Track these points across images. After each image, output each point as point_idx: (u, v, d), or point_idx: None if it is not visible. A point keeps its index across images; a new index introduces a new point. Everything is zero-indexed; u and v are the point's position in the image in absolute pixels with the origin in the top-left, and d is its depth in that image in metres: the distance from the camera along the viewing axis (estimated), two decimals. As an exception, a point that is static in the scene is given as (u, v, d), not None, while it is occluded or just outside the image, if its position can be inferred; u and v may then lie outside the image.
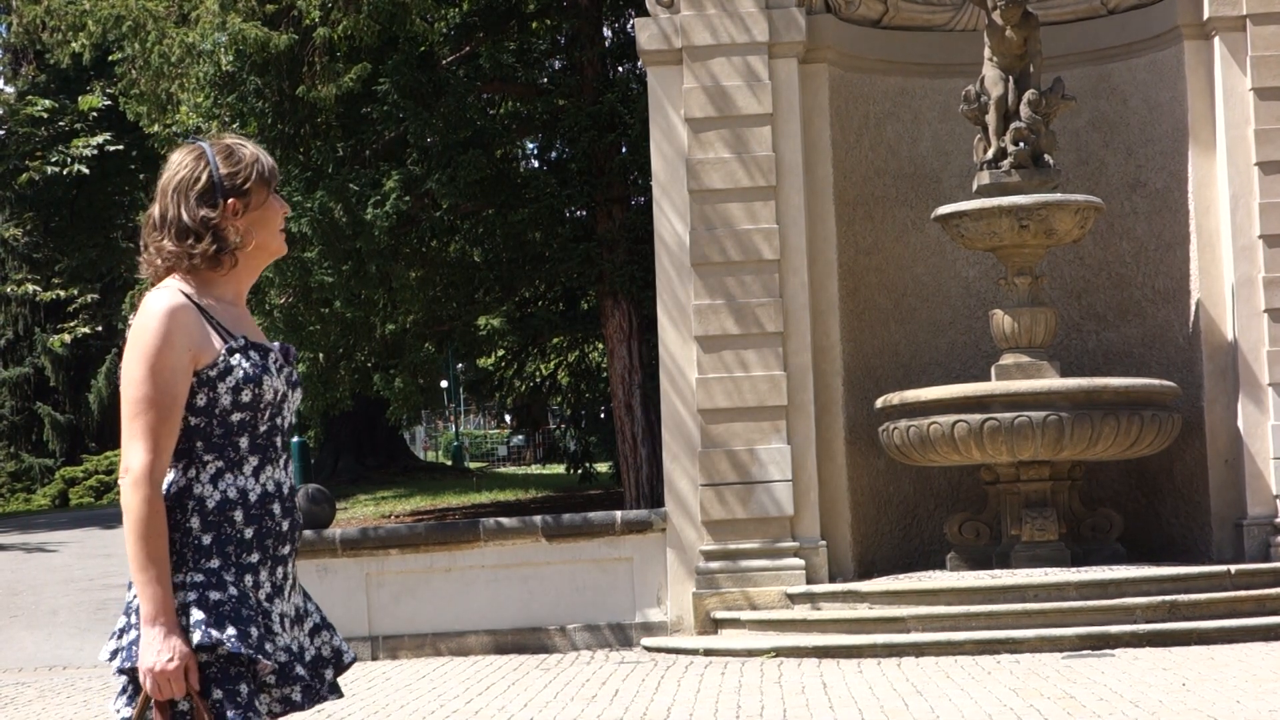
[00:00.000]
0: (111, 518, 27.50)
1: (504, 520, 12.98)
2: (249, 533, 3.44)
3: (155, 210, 3.51)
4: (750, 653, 11.47)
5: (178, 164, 3.52)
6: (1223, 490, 12.96)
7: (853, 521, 13.20)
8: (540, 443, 46.69)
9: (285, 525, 3.49)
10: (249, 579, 3.42)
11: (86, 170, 27.13)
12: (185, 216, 3.47)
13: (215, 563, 3.39)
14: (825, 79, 13.47)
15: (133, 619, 3.40)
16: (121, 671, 3.39)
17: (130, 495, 3.33)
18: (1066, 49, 13.69)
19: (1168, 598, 11.28)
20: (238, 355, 3.45)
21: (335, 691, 3.60)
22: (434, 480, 28.05)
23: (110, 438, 40.25)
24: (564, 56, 19.19)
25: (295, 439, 24.77)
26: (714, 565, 12.64)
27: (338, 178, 15.91)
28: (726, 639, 12.12)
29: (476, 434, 59.57)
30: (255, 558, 3.44)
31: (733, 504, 12.74)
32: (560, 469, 30.76)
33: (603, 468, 28.87)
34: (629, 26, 17.95)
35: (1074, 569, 11.98)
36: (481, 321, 19.55)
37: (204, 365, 3.42)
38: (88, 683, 11.72)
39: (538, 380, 25.70)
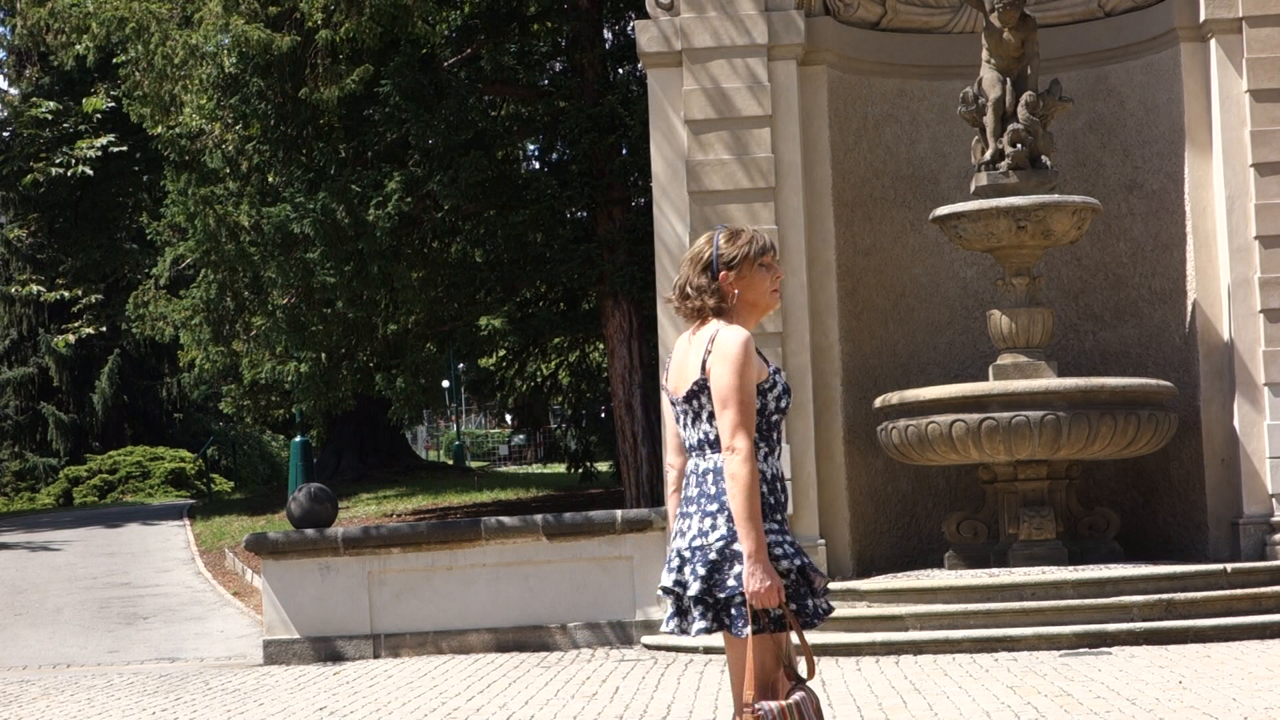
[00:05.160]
0: (114, 517, 27.59)
1: (505, 519, 13.04)
2: (772, 501, 4.87)
3: (680, 273, 5.01)
4: (749, 651, 11.52)
5: (697, 244, 5.00)
6: (1219, 489, 13.03)
7: (851, 520, 13.27)
8: (541, 442, 46.75)
9: (783, 498, 4.93)
10: (786, 533, 4.90)
11: (90, 172, 27.18)
12: (690, 281, 4.94)
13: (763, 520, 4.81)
14: (824, 81, 13.55)
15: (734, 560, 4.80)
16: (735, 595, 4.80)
17: (741, 467, 4.74)
18: (1064, 51, 13.76)
19: (1164, 596, 11.34)
20: (777, 376, 4.92)
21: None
22: (435, 479, 28.12)
23: (113, 438, 40.35)
24: (565, 59, 19.26)
25: (297, 438, 24.84)
26: (714, 564, 12.70)
27: (340, 179, 15.99)
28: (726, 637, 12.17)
29: (478, 433, 59.61)
30: (780, 518, 4.89)
31: (732, 503, 12.79)
32: (561, 468, 30.82)
33: (603, 467, 28.93)
34: (629, 29, 18.02)
35: (1071, 567, 12.04)
36: (483, 322, 19.63)
37: (760, 380, 4.85)
38: (91, 681, 11.79)
39: (539, 380, 25.77)
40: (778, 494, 4.89)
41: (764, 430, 4.88)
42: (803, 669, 4.87)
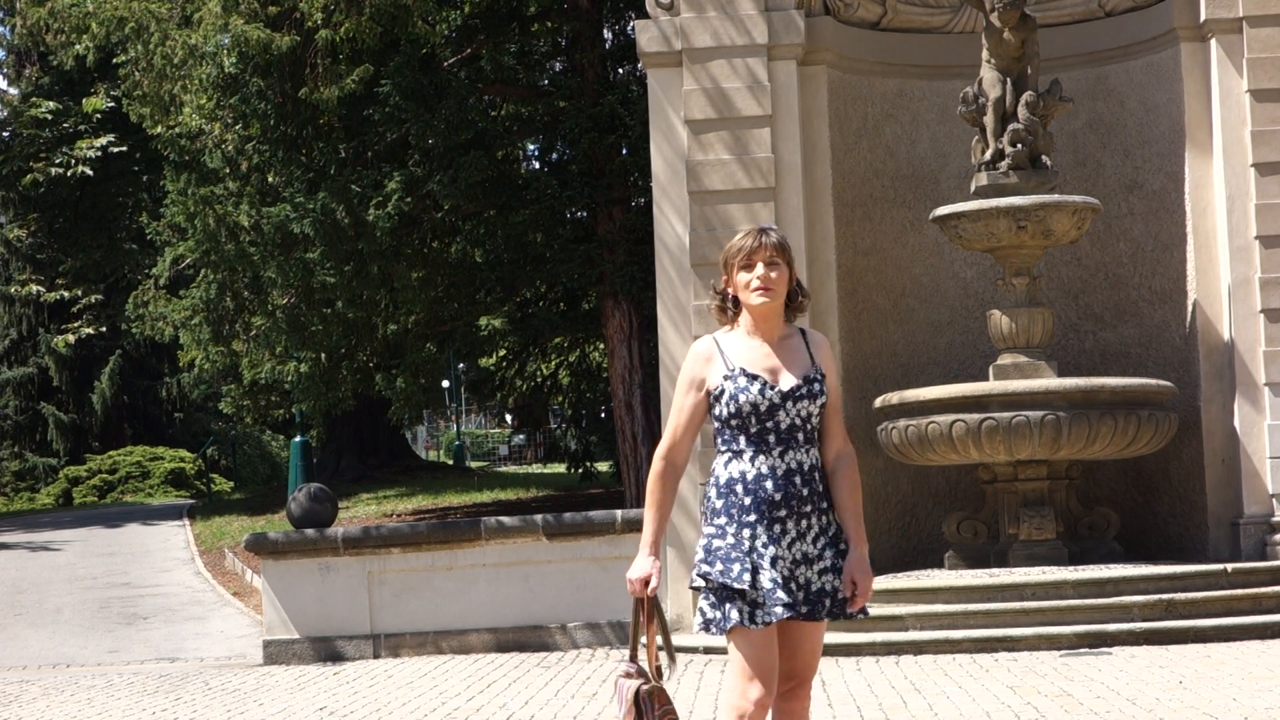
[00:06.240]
0: (114, 517, 27.60)
1: (505, 519, 13.05)
2: (747, 501, 4.94)
3: None
4: (749, 651, 11.52)
5: None
6: (1219, 489, 13.03)
7: (851, 520, 13.24)
8: (541, 442, 46.77)
9: (778, 496, 4.95)
10: (746, 532, 4.92)
11: (90, 172, 27.19)
12: (714, 284, 5.13)
13: (723, 520, 4.96)
14: (824, 81, 13.55)
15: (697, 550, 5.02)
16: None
17: (653, 464, 5.04)
18: (1064, 51, 13.76)
19: (1164, 596, 11.34)
20: (727, 381, 4.96)
21: (834, 615, 5.04)
22: (436, 479, 28.13)
23: (113, 438, 40.37)
24: (565, 58, 19.26)
25: (297, 438, 24.85)
26: (714, 564, 12.69)
27: (340, 179, 15.99)
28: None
29: (478, 433, 59.65)
30: (753, 518, 4.93)
31: (732, 503, 12.79)
32: (561, 468, 30.82)
33: (603, 467, 28.94)
34: (629, 29, 18.02)
35: (1071, 567, 12.04)
36: (483, 322, 19.63)
37: (711, 387, 5.00)
38: (91, 681, 11.79)
39: (539, 380, 25.76)
40: (754, 494, 4.95)
41: (725, 435, 5.01)
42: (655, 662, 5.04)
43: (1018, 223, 12.64)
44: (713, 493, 5.01)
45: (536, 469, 41.04)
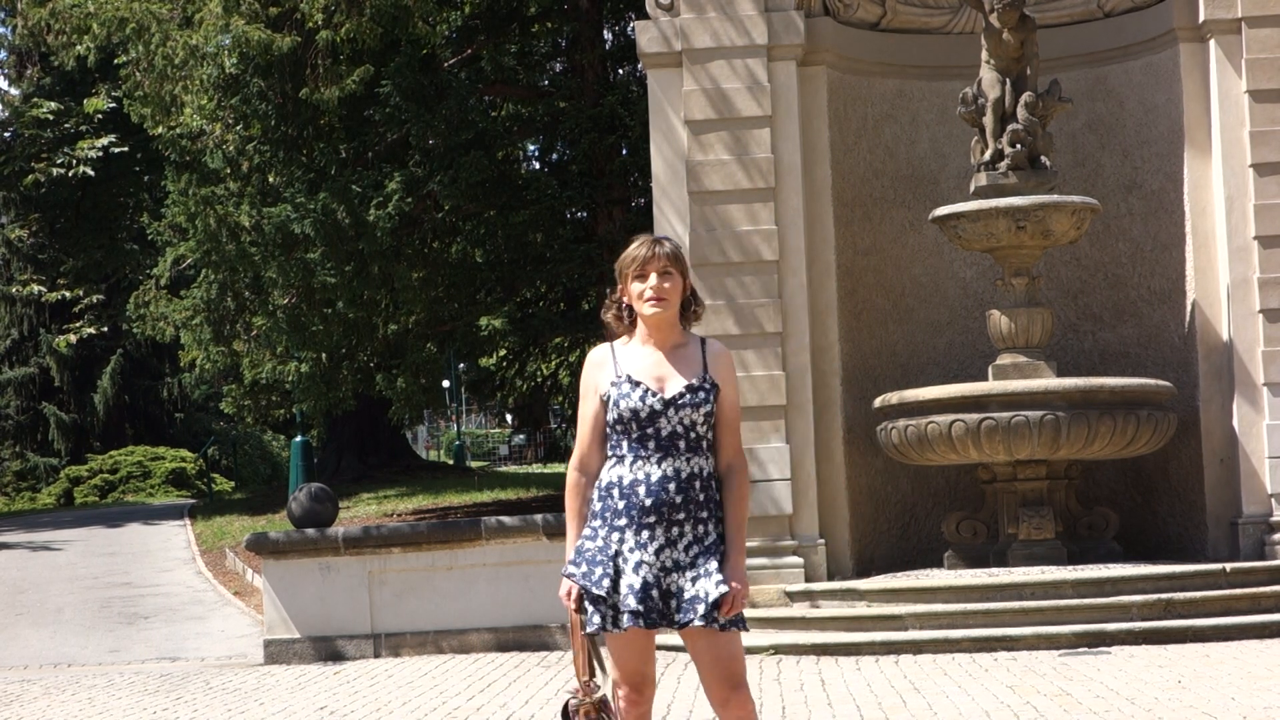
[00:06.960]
0: (115, 516, 27.62)
1: (505, 519, 13.06)
2: (621, 505, 5.02)
3: None
4: (749, 650, 11.54)
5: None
6: (1218, 489, 13.04)
7: (851, 520, 13.29)
8: (541, 442, 46.82)
9: (649, 502, 4.99)
10: (615, 535, 5.00)
11: (91, 172, 27.22)
12: (607, 293, 5.22)
13: (597, 522, 5.06)
14: (824, 81, 13.57)
15: None
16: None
17: (567, 476, 5.17)
18: (1063, 51, 13.77)
19: (1163, 596, 11.36)
20: (613, 387, 5.07)
21: (705, 621, 4.93)
22: (436, 479, 28.13)
23: (114, 438, 40.40)
24: (565, 59, 19.30)
25: (298, 438, 24.87)
26: (714, 564, 12.71)
27: (340, 179, 16.02)
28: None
29: (478, 433, 59.67)
30: (623, 522, 5.00)
31: (732, 503, 12.79)
32: (561, 468, 30.83)
33: (604, 467, 28.89)
34: (629, 29, 18.04)
35: (1070, 567, 12.06)
36: (483, 322, 19.64)
37: (601, 394, 5.10)
38: (92, 680, 11.81)
39: (539, 380, 25.78)
40: (627, 499, 5.02)
41: (612, 440, 5.09)
42: (600, 677, 5.20)
43: (1017, 223, 12.66)
44: (594, 495, 5.09)
45: (536, 469, 41.04)
